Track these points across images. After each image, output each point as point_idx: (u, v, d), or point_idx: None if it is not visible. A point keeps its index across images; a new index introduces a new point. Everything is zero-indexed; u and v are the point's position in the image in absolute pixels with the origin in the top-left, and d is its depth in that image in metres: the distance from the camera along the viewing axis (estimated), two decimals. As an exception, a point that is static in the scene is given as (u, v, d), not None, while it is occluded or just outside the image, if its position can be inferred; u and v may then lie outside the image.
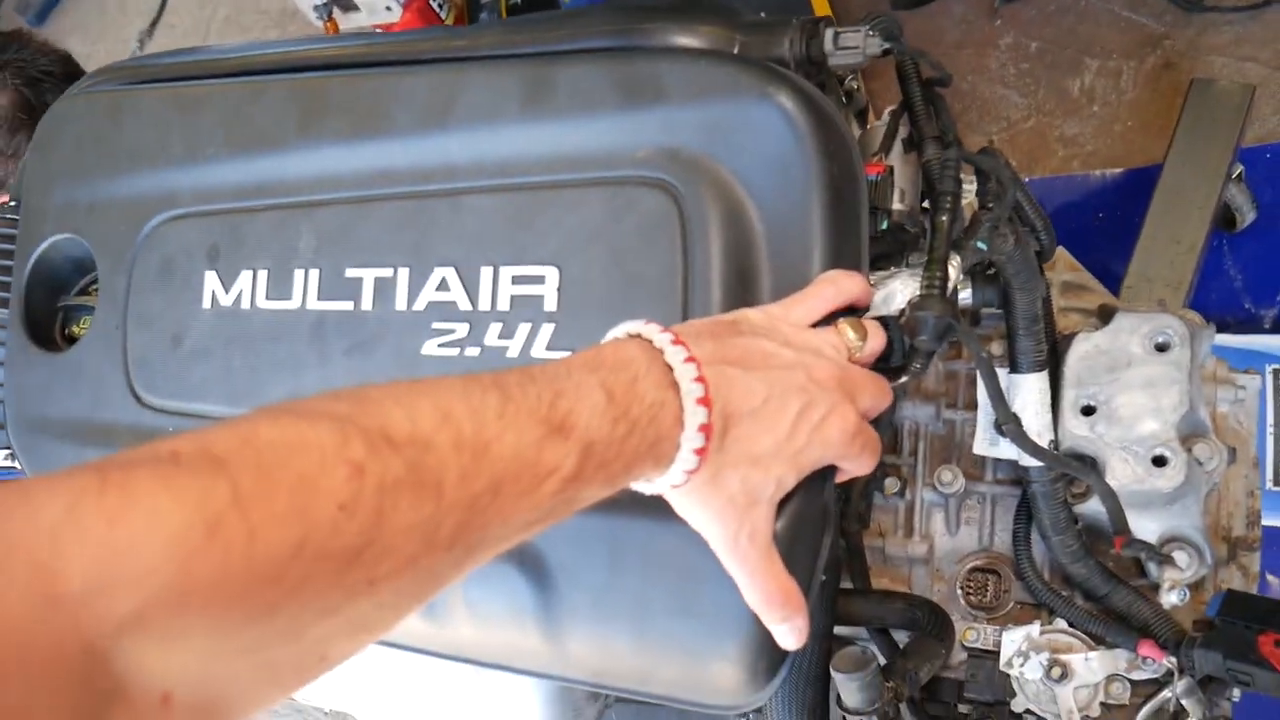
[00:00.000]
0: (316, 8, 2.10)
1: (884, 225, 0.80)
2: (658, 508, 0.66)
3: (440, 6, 2.21)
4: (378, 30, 2.20)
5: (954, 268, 0.76)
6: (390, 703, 1.07)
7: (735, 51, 0.79)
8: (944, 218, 0.77)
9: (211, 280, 0.93)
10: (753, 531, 0.65)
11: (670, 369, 0.60)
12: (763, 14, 0.83)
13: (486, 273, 0.81)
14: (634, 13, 0.82)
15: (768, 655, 0.73)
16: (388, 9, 2.12)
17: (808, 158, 0.73)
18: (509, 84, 0.82)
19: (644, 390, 0.58)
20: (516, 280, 0.80)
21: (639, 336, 0.62)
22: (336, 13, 2.12)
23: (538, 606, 0.79)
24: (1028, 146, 1.94)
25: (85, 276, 1.07)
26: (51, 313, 1.08)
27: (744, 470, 0.63)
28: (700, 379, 0.60)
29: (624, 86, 0.78)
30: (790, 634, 0.68)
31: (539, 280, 0.79)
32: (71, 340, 1.07)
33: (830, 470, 0.71)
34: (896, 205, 0.81)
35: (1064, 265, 1.07)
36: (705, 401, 0.59)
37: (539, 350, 0.79)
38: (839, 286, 0.71)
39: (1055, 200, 1.88)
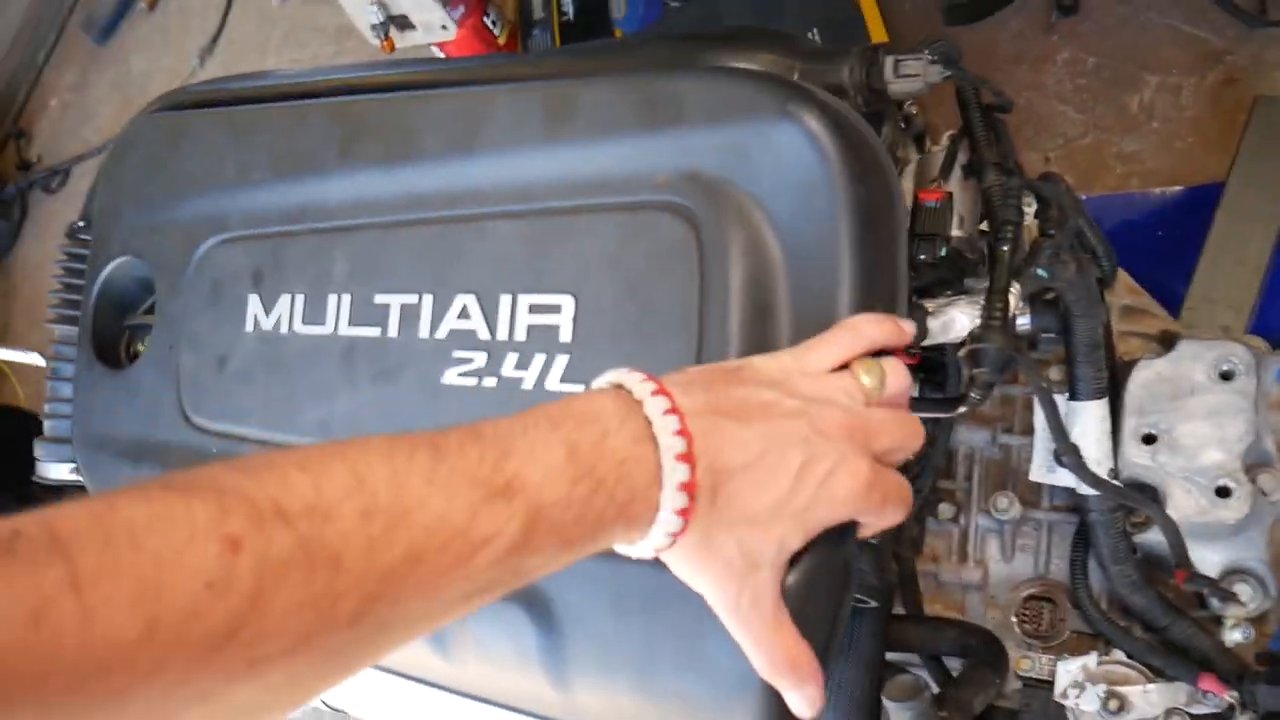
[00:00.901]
0: (373, 26, 2.12)
1: (943, 252, 0.79)
2: None
3: (494, 24, 2.23)
4: (434, 48, 2.23)
5: (1014, 295, 0.75)
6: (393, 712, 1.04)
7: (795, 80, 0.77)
8: (1006, 248, 0.76)
9: (254, 304, 0.94)
10: (755, 596, 0.59)
11: (649, 422, 0.55)
12: (813, 33, 0.81)
13: (505, 301, 0.79)
14: (691, 41, 0.81)
15: (777, 718, 0.67)
16: (443, 28, 2.13)
17: (834, 181, 0.68)
18: (532, 106, 0.80)
19: (615, 446, 0.54)
20: (533, 309, 0.77)
21: (620, 387, 0.57)
22: (393, 31, 2.15)
23: (543, 651, 0.76)
24: (1085, 164, 1.91)
25: (152, 296, 1.10)
26: (118, 332, 1.11)
27: (740, 531, 0.58)
28: (682, 432, 0.55)
29: (643, 107, 0.74)
30: (802, 702, 0.62)
31: (555, 310, 0.76)
32: (136, 359, 1.10)
33: (852, 524, 0.65)
34: (955, 231, 0.79)
35: (1123, 288, 1.05)
36: (687, 457, 0.54)
37: (553, 383, 0.76)
38: (859, 332, 0.65)
39: (1113, 218, 1.84)
